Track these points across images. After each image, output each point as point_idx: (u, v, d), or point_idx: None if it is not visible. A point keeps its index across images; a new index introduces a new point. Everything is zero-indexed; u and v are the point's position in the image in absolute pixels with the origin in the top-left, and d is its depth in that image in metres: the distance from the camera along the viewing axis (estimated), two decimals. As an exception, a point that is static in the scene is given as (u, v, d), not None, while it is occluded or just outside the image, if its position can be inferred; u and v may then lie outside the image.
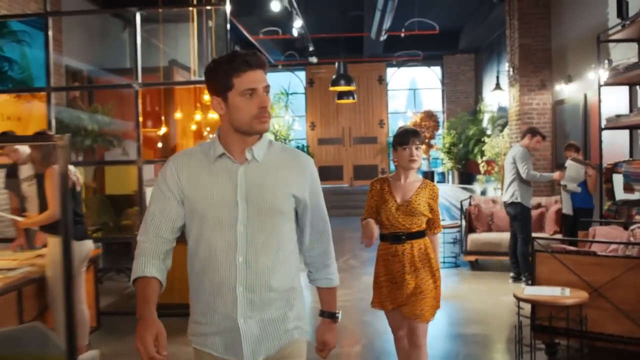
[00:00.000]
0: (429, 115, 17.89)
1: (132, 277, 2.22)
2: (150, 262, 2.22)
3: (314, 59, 15.55)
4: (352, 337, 5.65)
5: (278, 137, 17.41)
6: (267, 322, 2.24)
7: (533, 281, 4.95)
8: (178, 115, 10.25)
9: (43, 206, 4.58)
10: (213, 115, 9.68)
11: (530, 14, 11.22)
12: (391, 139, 18.33)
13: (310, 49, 14.07)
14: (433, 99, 19.89)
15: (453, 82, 18.30)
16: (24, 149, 4.96)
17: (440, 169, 17.77)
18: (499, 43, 14.28)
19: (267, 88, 2.23)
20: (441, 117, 18.34)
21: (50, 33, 6.32)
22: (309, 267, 2.47)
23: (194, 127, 10.57)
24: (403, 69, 19.54)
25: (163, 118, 10.64)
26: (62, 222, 2.30)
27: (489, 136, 13.96)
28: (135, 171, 6.29)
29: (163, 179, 2.28)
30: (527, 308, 4.76)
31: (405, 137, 3.80)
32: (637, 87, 7.05)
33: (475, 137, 14.88)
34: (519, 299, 4.58)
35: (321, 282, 2.47)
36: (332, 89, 13.88)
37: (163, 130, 10.31)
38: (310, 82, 18.89)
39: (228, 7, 6.24)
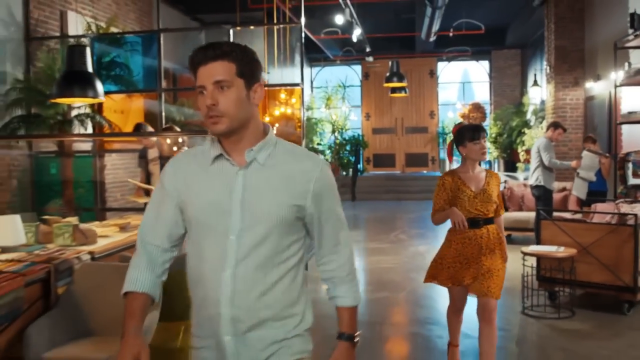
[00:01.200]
0: (477, 107, 19.06)
1: (122, 291, 2.07)
2: (142, 276, 2.07)
3: (370, 59, 16.99)
4: (398, 287, 7.13)
5: (336, 127, 18.87)
6: (260, 344, 1.99)
7: (538, 242, 6.34)
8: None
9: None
10: (283, 109, 11.37)
11: (565, 17, 12.42)
12: (441, 129, 19.78)
13: (367, 49, 15.49)
14: (482, 92, 21.03)
15: (500, 75, 19.42)
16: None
17: (487, 158, 18.95)
18: (541, 41, 15.45)
19: (220, 83, 1.94)
20: (488, 109, 19.49)
21: (161, 45, 7.97)
22: (327, 282, 2.17)
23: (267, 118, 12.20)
24: (454, 63, 20.72)
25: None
26: None
27: (530, 127, 15.18)
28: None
29: (161, 183, 2.11)
30: (534, 263, 6.17)
31: (477, 132, 4.08)
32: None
33: (518, 128, 16.07)
34: (524, 254, 6.02)
35: (340, 300, 2.16)
36: (386, 85, 15.27)
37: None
38: (365, 76, 20.25)
39: (303, 25, 7.76)
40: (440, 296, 6.93)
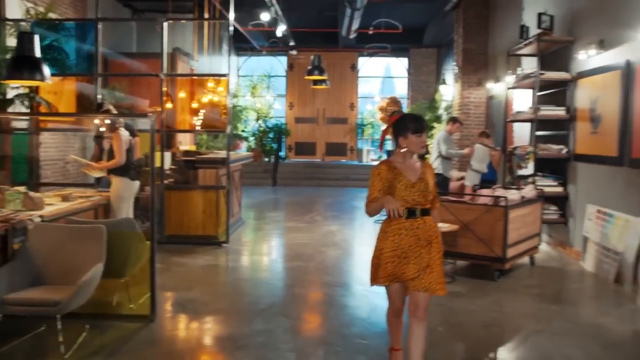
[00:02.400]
0: (394, 101, 19.78)
1: None
2: None
3: (294, 52, 17.91)
4: (310, 258, 8.07)
5: (260, 115, 19.68)
6: None
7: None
8: (181, 95, 12.57)
9: (111, 157, 6.98)
10: (210, 97, 12.13)
11: (472, 23, 13.66)
12: (360, 121, 20.85)
13: (291, 43, 16.34)
14: (402, 86, 22.26)
15: (417, 72, 20.66)
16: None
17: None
18: (453, 43, 16.69)
19: None
20: (406, 103, 20.71)
21: (99, 33, 8.61)
22: None
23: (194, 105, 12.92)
24: (377, 58, 21.83)
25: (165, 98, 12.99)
26: (150, 170, 4.47)
27: (441, 122, 16.42)
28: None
29: None
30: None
31: (420, 125, 3.91)
32: (534, 90, 9.39)
33: (430, 123, 17.29)
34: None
35: None
36: (306, 78, 16.18)
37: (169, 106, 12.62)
38: (290, 67, 21.11)
39: (232, 21, 8.55)
40: (348, 265, 7.98)
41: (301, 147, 21.05)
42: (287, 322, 5.49)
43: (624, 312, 5.93)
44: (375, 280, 4.03)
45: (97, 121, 7.33)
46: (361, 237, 9.88)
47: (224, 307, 5.99)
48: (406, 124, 3.92)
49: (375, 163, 4.64)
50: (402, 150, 3.92)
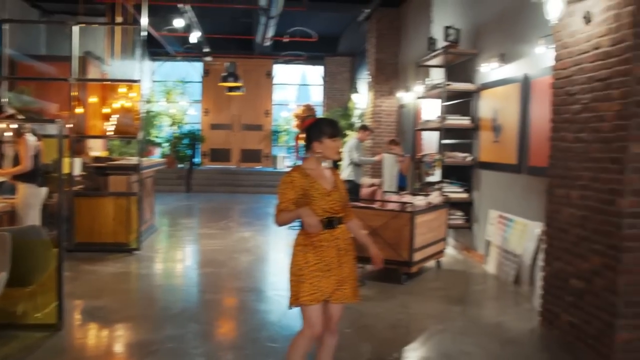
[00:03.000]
0: (309, 108, 20.29)
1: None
2: None
3: (209, 58, 17.86)
4: (222, 264, 8.09)
5: (174, 121, 19.47)
6: None
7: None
8: (93, 99, 12.32)
9: (16, 163, 6.79)
10: (123, 103, 11.95)
11: (384, 34, 14.04)
12: (275, 128, 20.96)
13: (206, 50, 16.30)
14: (318, 94, 22.55)
15: (332, 80, 20.97)
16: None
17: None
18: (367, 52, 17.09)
19: None
20: (320, 111, 20.96)
21: (7, 36, 8.36)
22: None
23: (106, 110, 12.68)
24: (294, 66, 22.00)
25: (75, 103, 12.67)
26: (58, 176, 4.41)
27: (354, 130, 16.74)
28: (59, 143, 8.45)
29: None
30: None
31: (336, 129, 3.75)
32: (441, 100, 9.75)
33: (344, 130, 17.61)
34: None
35: None
36: (221, 84, 16.23)
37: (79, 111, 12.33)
38: (206, 72, 20.97)
39: (145, 26, 8.48)
40: (260, 271, 8.04)
41: (216, 153, 20.95)
42: (198, 327, 5.52)
43: (521, 311, 6.27)
44: (297, 300, 3.66)
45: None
46: (274, 244, 9.98)
47: (135, 313, 5.95)
48: (322, 128, 3.73)
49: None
50: (317, 156, 3.73)
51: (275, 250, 9.44)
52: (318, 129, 3.73)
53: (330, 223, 3.69)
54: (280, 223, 3.71)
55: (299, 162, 3.80)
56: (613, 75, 4.63)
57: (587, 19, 4.94)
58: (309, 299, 3.62)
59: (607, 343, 4.58)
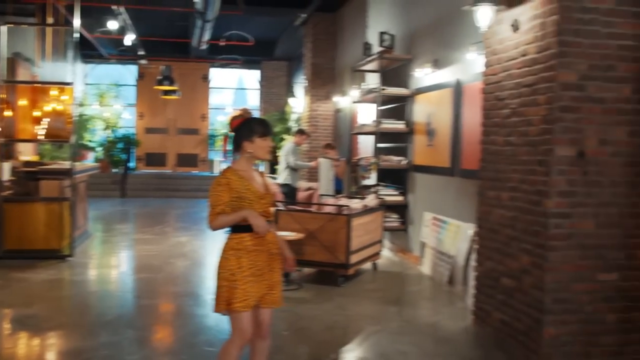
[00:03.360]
0: (246, 112, 20.16)
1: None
2: None
3: (144, 61, 17.60)
4: (158, 270, 7.99)
5: (108, 125, 19.08)
6: None
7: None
8: (22, 102, 11.96)
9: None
10: (55, 106, 11.64)
11: (320, 39, 14.15)
12: (212, 132, 20.80)
13: (141, 52, 16.06)
14: (255, 98, 22.50)
15: (269, 84, 20.98)
16: None
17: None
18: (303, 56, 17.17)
19: None
20: (258, 115, 20.94)
21: None
22: None
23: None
24: (230, 69, 21.89)
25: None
26: None
27: (290, 134, 16.78)
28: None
29: None
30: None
31: (268, 128, 3.69)
32: (376, 105, 9.88)
33: (280, 134, 17.63)
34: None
35: None
36: (156, 87, 16.03)
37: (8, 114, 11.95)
38: (140, 76, 20.65)
39: (77, 27, 8.31)
40: (196, 275, 7.98)
41: (151, 158, 20.64)
42: (133, 333, 5.45)
43: (455, 310, 6.42)
44: (229, 306, 3.53)
45: None
46: (211, 248, 9.90)
47: (67, 321, 5.83)
48: (252, 127, 3.65)
49: None
50: (247, 156, 3.63)
51: (212, 254, 9.36)
52: (248, 128, 3.65)
53: None
54: (216, 227, 3.56)
55: (228, 163, 3.76)
56: (539, 82, 4.81)
57: (515, 27, 5.12)
58: (241, 305, 3.51)
59: (535, 338, 4.75)
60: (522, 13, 5.06)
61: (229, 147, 3.81)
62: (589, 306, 4.73)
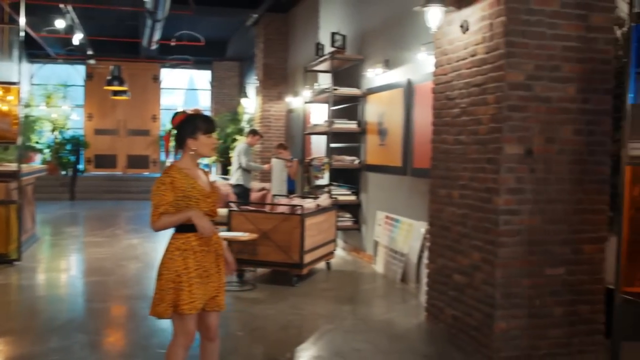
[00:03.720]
0: (197, 113, 20.22)
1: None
2: None
3: (92, 61, 17.28)
4: (109, 272, 7.87)
5: (56, 126, 18.67)
6: None
7: (229, 229, 7.58)
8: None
9: None
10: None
11: (272, 39, 14.13)
12: (163, 132, 20.54)
13: (90, 52, 15.77)
14: (206, 99, 22.32)
15: (220, 85, 20.87)
16: None
17: (205, 161, 20.22)
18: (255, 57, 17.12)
19: None
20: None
21: None
22: None
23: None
24: (182, 70, 21.67)
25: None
26: None
27: (243, 135, 16.72)
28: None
29: None
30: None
31: (212, 125, 3.56)
32: (329, 105, 9.92)
33: (232, 135, 17.56)
34: (216, 239, 7.19)
35: None
36: (106, 88, 15.76)
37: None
38: (89, 76, 20.28)
39: (22, 26, 8.11)
40: (148, 278, 7.88)
41: (101, 159, 20.29)
42: (85, 337, 5.35)
43: (408, 307, 6.50)
44: (176, 309, 3.41)
45: None
46: (162, 250, 9.79)
47: (16, 326, 5.69)
48: (196, 123, 3.51)
49: None
50: (191, 154, 3.52)
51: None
52: (192, 124, 3.51)
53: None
54: (160, 228, 3.46)
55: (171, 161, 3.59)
56: (488, 81, 4.91)
57: (464, 28, 5.22)
58: (188, 308, 3.40)
59: (486, 333, 4.85)
60: (471, 14, 5.16)
61: (172, 145, 3.68)
62: (537, 300, 4.85)
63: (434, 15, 5.37)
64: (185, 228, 3.47)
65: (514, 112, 4.73)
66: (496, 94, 4.80)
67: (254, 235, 7.15)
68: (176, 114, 3.65)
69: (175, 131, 3.60)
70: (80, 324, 5.83)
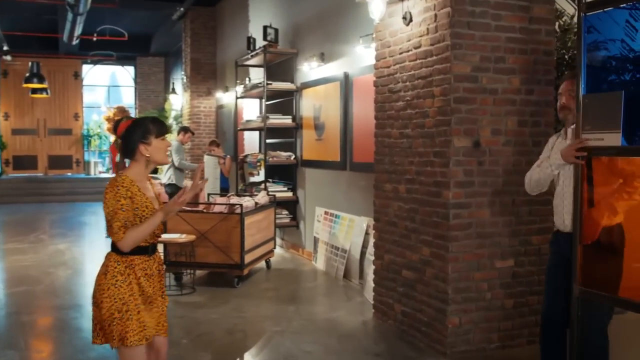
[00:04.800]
0: (122, 110, 19.55)
1: None
2: None
3: (8, 57, 16.42)
4: (36, 281, 7.43)
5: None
6: None
7: (165, 231, 7.28)
8: None
9: None
10: None
11: (200, 33, 13.78)
12: (86, 131, 19.83)
13: (5, 48, 14.98)
14: (129, 96, 21.65)
15: (145, 81, 20.29)
16: None
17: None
18: (182, 52, 16.67)
19: None
20: (134, 113, 20.18)
21: None
22: None
23: None
24: (102, 66, 20.94)
25: None
26: None
27: (170, 132, 16.28)
28: None
29: None
30: (161, 250, 7.07)
31: (164, 126, 3.23)
32: (262, 100, 9.72)
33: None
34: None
35: None
36: (25, 85, 15.01)
37: None
38: (4, 73, 19.32)
39: None
40: (79, 285, 7.50)
41: (20, 161, 19.34)
42: (14, 354, 4.98)
43: (353, 304, 6.39)
44: (123, 341, 3.02)
45: None
46: (92, 254, 9.38)
47: (-64, 345, 5.25)
48: (147, 126, 3.14)
49: (107, 176, 3.41)
50: (144, 161, 3.15)
51: (94, 261, 8.82)
52: (142, 128, 3.15)
53: (154, 248, 3.21)
54: (131, 245, 3.05)
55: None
56: (434, 73, 4.83)
57: (407, 19, 5.12)
58: (138, 338, 3.04)
59: (439, 329, 4.78)
60: (413, 5, 5.06)
61: (119, 156, 2.96)
62: (488, 293, 4.81)
63: (377, 7, 5.25)
64: (138, 250, 3.11)
65: (461, 105, 4.67)
66: (442, 86, 4.72)
67: (191, 237, 6.88)
68: (119, 121, 3.33)
69: (120, 140, 3.25)
70: (8, 339, 5.42)
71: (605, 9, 3.33)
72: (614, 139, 3.19)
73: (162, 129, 3.20)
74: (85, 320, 5.92)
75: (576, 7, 5.74)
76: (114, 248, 3.11)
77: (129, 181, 3.08)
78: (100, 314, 3.07)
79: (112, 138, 3.42)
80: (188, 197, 3.13)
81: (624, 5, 3.24)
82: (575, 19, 5.69)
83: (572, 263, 3.49)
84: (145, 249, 3.14)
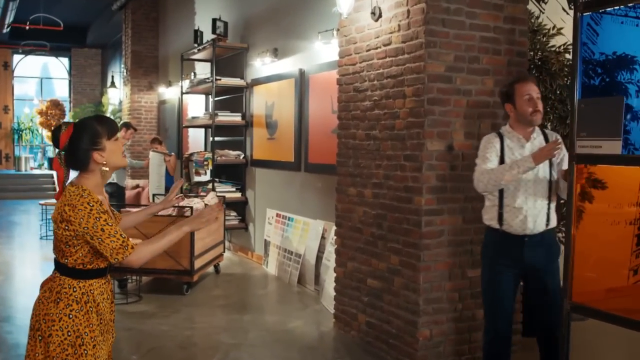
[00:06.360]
0: (56, 104, 18.80)
1: None
2: None
3: None
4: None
5: None
6: None
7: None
8: None
9: None
10: None
11: (141, 25, 13.22)
12: (17, 125, 18.90)
13: None
14: (62, 88, 20.75)
15: (80, 74, 19.49)
16: None
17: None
18: (121, 44, 16.02)
19: None
20: (68, 106, 19.36)
21: None
22: None
23: None
24: (34, 57, 20.01)
25: None
26: None
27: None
28: None
29: None
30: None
31: (113, 123, 2.75)
32: (209, 96, 9.34)
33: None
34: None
35: None
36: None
37: None
38: None
39: None
40: (11, 293, 6.95)
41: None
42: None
43: (311, 313, 6.09)
44: None
45: None
46: (24, 258, 8.79)
47: None
48: (95, 129, 2.62)
49: (39, 172, 2.82)
50: (102, 169, 2.66)
51: (27, 265, 8.31)
52: (91, 133, 2.62)
53: (111, 266, 2.75)
54: (146, 260, 2.68)
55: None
56: (405, 72, 4.58)
57: (376, 14, 4.85)
58: None
59: (409, 341, 4.54)
60: (383, 0, 4.80)
61: (66, 171, 2.61)
62: (460, 304, 4.61)
63: (345, 1, 4.96)
64: (86, 274, 2.63)
65: (435, 106, 4.43)
66: (415, 86, 4.48)
67: (137, 241, 6.43)
68: (58, 132, 2.64)
69: (65, 153, 2.66)
70: None
71: (600, 10, 3.15)
72: (614, 147, 3.00)
73: (113, 127, 2.70)
74: (21, 335, 5.41)
75: (543, 10, 5.69)
76: (66, 270, 2.61)
77: (93, 195, 2.57)
78: (47, 350, 2.57)
79: (55, 151, 2.86)
80: (212, 217, 2.77)
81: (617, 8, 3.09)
82: (540, 20, 5.59)
83: (563, 275, 3.30)
84: (104, 271, 2.70)
